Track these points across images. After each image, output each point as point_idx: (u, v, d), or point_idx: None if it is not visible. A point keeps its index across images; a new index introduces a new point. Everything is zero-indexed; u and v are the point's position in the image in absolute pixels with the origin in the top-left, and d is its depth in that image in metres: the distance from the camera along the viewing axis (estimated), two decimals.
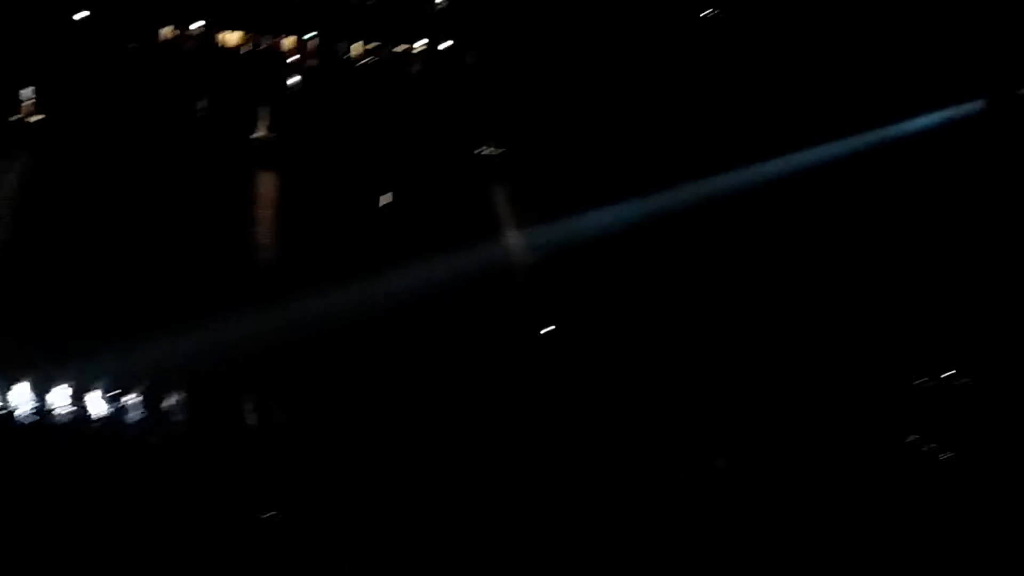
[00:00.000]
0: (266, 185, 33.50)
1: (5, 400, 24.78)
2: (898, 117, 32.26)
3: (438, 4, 34.27)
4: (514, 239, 32.65)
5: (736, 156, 31.84)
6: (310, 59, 34.46)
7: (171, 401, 25.43)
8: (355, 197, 33.20)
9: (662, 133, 32.40)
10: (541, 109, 33.35)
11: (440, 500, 22.68)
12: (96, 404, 25.15)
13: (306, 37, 34.34)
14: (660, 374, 28.08)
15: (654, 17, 33.47)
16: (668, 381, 27.80)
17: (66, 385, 25.21)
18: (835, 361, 28.85)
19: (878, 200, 32.01)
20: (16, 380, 25.08)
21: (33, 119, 32.20)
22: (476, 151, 34.06)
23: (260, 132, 33.73)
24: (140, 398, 25.32)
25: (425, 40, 34.37)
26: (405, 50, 34.67)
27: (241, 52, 34.34)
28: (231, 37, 34.22)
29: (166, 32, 33.72)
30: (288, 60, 34.31)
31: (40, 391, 25.05)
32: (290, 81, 34.12)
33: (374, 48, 34.56)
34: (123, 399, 25.32)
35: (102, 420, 24.89)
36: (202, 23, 33.69)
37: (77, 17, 32.58)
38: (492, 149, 34.07)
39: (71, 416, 24.86)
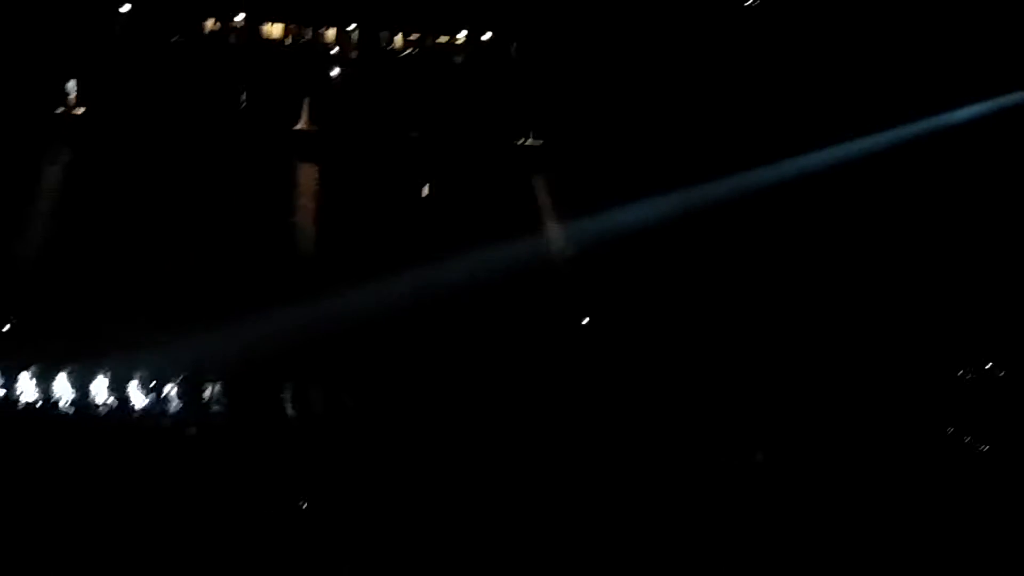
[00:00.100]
0: (307, 177, 33.57)
1: (45, 391, 25.01)
2: (939, 109, 32.00)
3: None
4: (554, 230, 32.63)
5: (780, 149, 31.69)
6: (352, 51, 34.52)
7: (209, 392, 25.58)
8: (396, 189, 33.26)
9: (704, 126, 32.26)
10: (583, 100, 33.27)
11: (479, 491, 22.72)
12: (135, 395, 25.34)
13: (348, 29, 34.40)
14: (698, 366, 28.00)
15: (698, 7, 33.30)
16: (706, 373, 27.71)
17: (105, 376, 25.41)
18: (875, 353, 28.67)
19: (924, 190, 31.80)
20: (56, 371, 25.32)
21: (77, 111, 32.43)
22: (517, 142, 34.04)
23: (302, 124, 33.83)
24: (179, 389, 25.47)
25: (466, 31, 34.34)
26: (447, 41, 34.67)
27: (283, 44, 34.45)
28: (273, 30, 34.33)
29: (209, 25, 33.86)
30: (330, 52, 34.39)
31: (79, 382, 25.25)
32: (332, 73, 34.20)
33: (416, 39, 34.58)
34: (162, 390, 25.49)
35: (140, 411, 25.05)
36: (244, 16, 33.80)
37: (121, 10, 32.78)
38: (533, 140, 34.05)
39: (109, 407, 25.05)
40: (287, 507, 21.92)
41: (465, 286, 29.42)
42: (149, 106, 32.31)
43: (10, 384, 25.00)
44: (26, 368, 25.27)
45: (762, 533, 22.19)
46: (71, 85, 32.33)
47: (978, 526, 22.27)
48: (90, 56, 32.23)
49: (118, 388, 25.34)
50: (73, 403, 24.92)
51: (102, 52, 32.30)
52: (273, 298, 28.60)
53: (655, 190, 31.24)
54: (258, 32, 34.17)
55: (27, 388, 25.02)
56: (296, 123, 33.73)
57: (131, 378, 25.54)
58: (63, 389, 25.15)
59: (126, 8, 32.63)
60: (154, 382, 25.62)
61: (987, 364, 28.72)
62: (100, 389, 25.29)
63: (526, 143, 34.01)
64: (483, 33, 34.34)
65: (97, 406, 25.05)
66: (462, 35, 34.42)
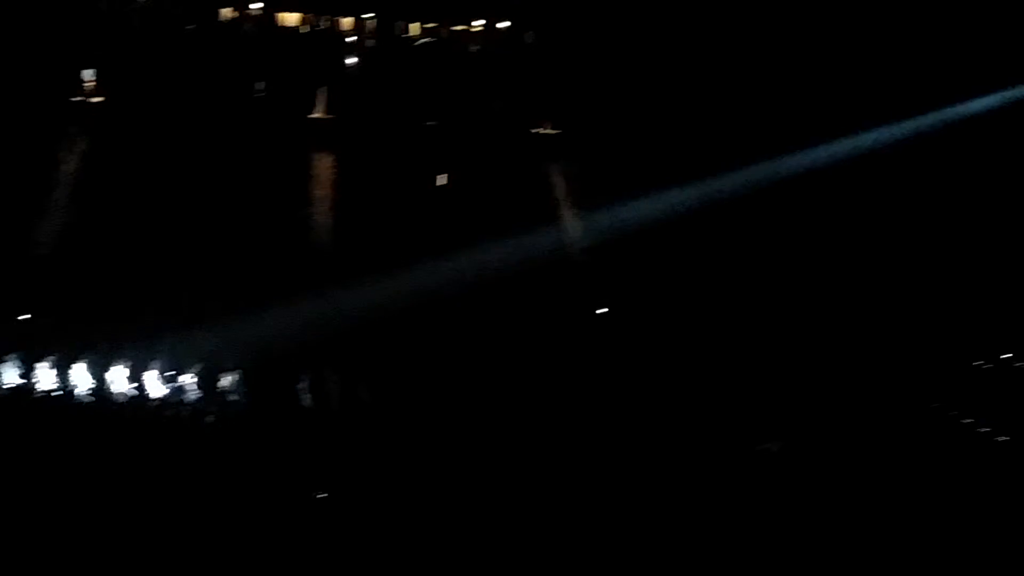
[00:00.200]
0: (324, 166, 33.60)
1: (63, 381, 25.08)
2: (952, 100, 31.93)
3: None
4: (569, 219, 32.60)
5: (801, 138, 31.63)
6: (368, 39, 34.52)
7: (226, 382, 25.63)
8: (413, 178, 33.26)
9: (723, 116, 32.19)
10: (599, 89, 33.23)
11: (496, 480, 22.74)
12: (152, 384, 25.39)
13: (364, 17, 34.39)
14: (714, 356, 27.96)
15: None
16: (722, 363, 27.67)
17: (123, 365, 25.47)
18: (892, 343, 28.61)
19: (941, 181, 31.72)
20: (73, 361, 25.39)
21: (94, 100, 32.49)
22: (533, 131, 34.03)
23: (318, 112, 33.84)
24: (196, 378, 25.53)
25: (483, 20, 34.31)
26: (463, 30, 34.65)
27: (300, 33, 34.46)
28: (290, 18, 34.35)
29: (226, 13, 33.88)
30: (346, 40, 34.39)
31: (97, 371, 25.32)
32: (348, 61, 34.19)
33: (432, 28, 34.56)
34: (179, 379, 25.55)
35: (158, 400, 25.11)
36: (261, 4, 33.81)
37: None
38: (549, 129, 34.03)
39: (127, 396, 25.11)
40: (303, 498, 21.93)
41: (481, 276, 29.39)
42: (166, 95, 32.36)
43: (28, 373, 25.03)
44: (44, 358, 25.31)
45: (777, 524, 22.21)
46: (89, 74, 32.40)
47: (995, 518, 22.25)
48: (107, 45, 32.28)
49: (135, 378, 25.35)
50: (90, 393, 24.95)
51: (119, 41, 32.34)
52: (290, 288, 28.63)
53: (672, 180, 31.20)
54: (274, 20, 34.18)
55: (45, 377, 25.05)
56: (312, 112, 33.76)
57: (148, 368, 25.54)
58: (80, 379, 25.17)
59: None
60: (171, 372, 25.62)
61: (1004, 355, 28.67)
62: (118, 379, 25.31)
63: (542, 132, 33.99)
64: (499, 21, 34.30)
65: (114, 395, 25.05)
66: (478, 24, 34.38)
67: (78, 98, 32.38)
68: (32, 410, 24.40)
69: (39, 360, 25.28)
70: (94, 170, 31.55)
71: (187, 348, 26.09)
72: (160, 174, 31.21)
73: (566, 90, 33.71)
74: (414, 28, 34.57)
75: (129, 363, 25.51)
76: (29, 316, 27.33)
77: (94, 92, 32.48)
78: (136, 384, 25.31)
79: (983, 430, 25.73)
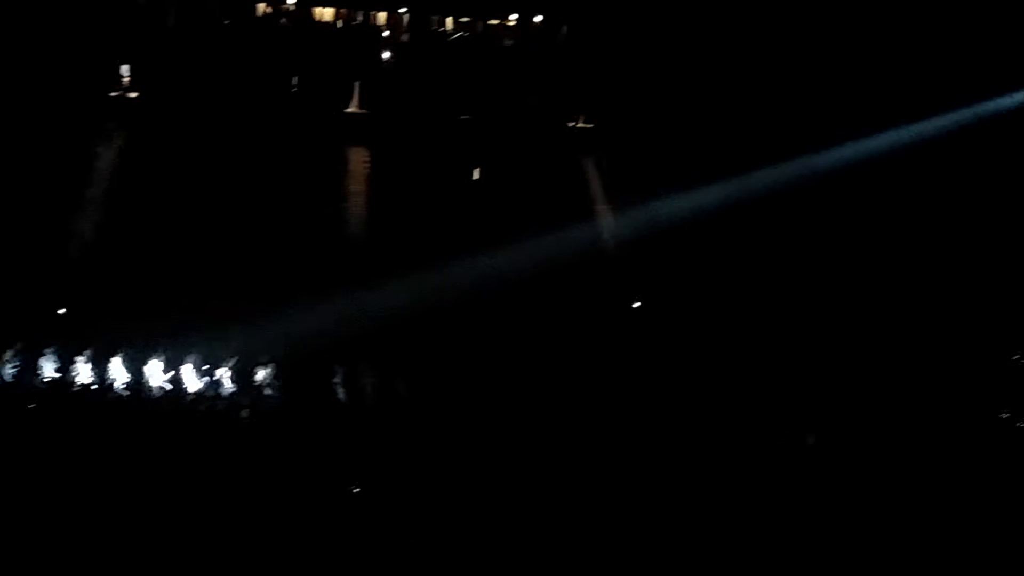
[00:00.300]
0: (358, 160, 33.69)
1: (100, 374, 25.23)
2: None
3: None
4: (603, 213, 32.59)
5: (838, 132, 31.52)
6: (403, 34, 34.58)
7: (261, 376, 25.73)
8: (447, 172, 33.30)
9: (755, 110, 32.09)
10: (634, 83, 33.18)
11: (533, 472, 22.75)
12: (188, 378, 25.51)
13: (399, 12, 34.44)
14: (749, 349, 27.91)
15: None
16: (757, 356, 27.61)
17: (159, 359, 25.61)
18: (929, 336, 28.48)
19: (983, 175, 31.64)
20: (110, 355, 25.53)
21: (131, 95, 32.67)
22: (568, 125, 34.02)
23: (353, 107, 33.92)
24: (231, 372, 25.63)
25: (517, 14, 34.30)
26: (498, 24, 34.66)
27: (335, 27, 34.55)
28: (325, 13, 34.44)
29: (261, 8, 34.00)
30: (381, 35, 34.46)
31: (133, 365, 25.46)
32: (383, 56, 34.25)
33: (466, 22, 34.58)
34: (214, 373, 25.65)
35: (193, 394, 25.22)
36: None
37: None
38: (584, 123, 34.01)
39: (163, 390, 25.24)
40: (337, 492, 22.00)
41: (515, 270, 29.40)
42: (202, 90, 32.49)
43: (65, 368, 25.21)
44: (80, 352, 25.48)
45: (812, 515, 22.15)
46: (125, 69, 32.57)
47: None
48: (144, 40, 32.43)
49: (171, 371, 25.48)
50: (127, 386, 25.09)
51: (155, 36, 32.50)
52: (324, 282, 28.71)
53: (707, 174, 31.14)
54: (310, 15, 34.28)
55: (81, 371, 25.21)
56: (347, 106, 33.84)
57: (184, 361, 25.67)
58: (117, 372, 25.32)
59: None
60: (207, 365, 25.73)
61: None
62: (153, 372, 25.44)
63: (577, 126, 33.98)
64: (534, 15, 34.29)
65: (150, 389, 25.19)
66: (513, 18, 34.38)
67: (115, 93, 32.56)
68: (69, 403, 24.51)
69: (76, 354, 25.43)
70: (131, 165, 31.72)
71: (222, 342, 26.16)
72: (196, 169, 31.33)
73: (600, 84, 33.67)
74: (448, 23, 34.61)
75: (164, 357, 25.62)
76: (66, 310, 27.49)
77: (131, 87, 32.65)
78: (171, 378, 25.41)
79: (1020, 424, 25.66)
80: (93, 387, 24.95)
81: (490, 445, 23.73)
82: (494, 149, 33.60)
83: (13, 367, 24.88)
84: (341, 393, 25.68)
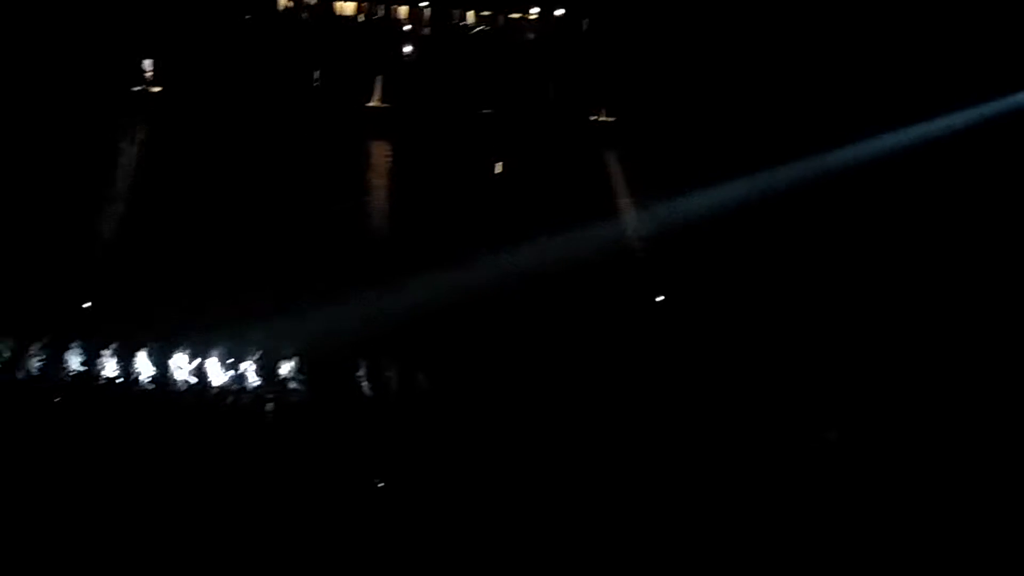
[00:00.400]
0: (381, 154, 33.71)
1: (125, 368, 25.31)
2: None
3: None
4: (626, 207, 32.56)
5: (864, 125, 31.43)
6: (424, 28, 34.58)
7: (286, 369, 25.77)
8: (469, 166, 33.31)
9: (778, 104, 32.02)
10: (655, 77, 33.14)
11: (558, 467, 22.77)
12: (213, 371, 25.57)
13: (420, 5, 34.44)
14: (772, 344, 27.86)
15: None
16: (780, 351, 27.56)
17: (184, 353, 25.67)
18: (954, 332, 28.39)
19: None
20: (136, 348, 25.61)
21: (154, 89, 32.74)
22: (589, 119, 33.99)
23: (375, 101, 33.94)
24: (256, 366, 25.68)
25: (538, 7, 34.28)
26: (519, 18, 34.64)
27: (356, 21, 34.57)
28: (346, 7, 34.46)
29: (283, 2, 34.04)
30: (402, 29, 34.46)
31: (158, 359, 25.53)
32: (404, 50, 34.26)
33: (487, 16, 34.57)
34: (239, 367, 25.71)
35: (218, 388, 25.28)
36: None
37: None
38: (605, 117, 33.99)
39: (188, 383, 25.30)
40: (362, 486, 22.03)
41: (537, 264, 29.39)
42: (224, 85, 32.54)
43: (90, 361, 25.29)
44: (107, 346, 25.56)
45: (836, 512, 22.12)
46: (148, 64, 32.63)
47: None
48: (166, 35, 32.49)
49: (196, 365, 25.54)
50: (152, 380, 25.16)
51: (178, 31, 32.54)
52: (347, 276, 28.75)
53: (729, 167, 31.08)
54: (331, 10, 34.30)
55: (107, 365, 25.30)
56: (369, 100, 33.86)
57: (209, 355, 25.73)
58: (142, 366, 25.40)
59: None
60: (231, 359, 25.79)
61: None
62: (178, 366, 25.51)
63: (599, 120, 33.95)
64: (555, 9, 34.27)
65: (175, 383, 25.26)
66: (534, 11, 34.36)
67: (138, 88, 32.62)
68: (94, 397, 24.59)
69: (101, 348, 25.51)
70: (154, 160, 31.79)
71: (247, 335, 26.22)
72: (219, 164, 31.38)
73: (622, 77, 33.63)
74: (470, 16, 34.60)
75: (189, 350, 25.68)
76: (91, 304, 27.58)
77: (153, 82, 32.72)
78: (197, 371, 25.47)
79: None
80: (118, 381, 25.01)
81: (513, 440, 23.72)
82: (516, 143, 33.57)
83: (39, 361, 24.99)
84: (365, 387, 25.70)
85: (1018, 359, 27.53)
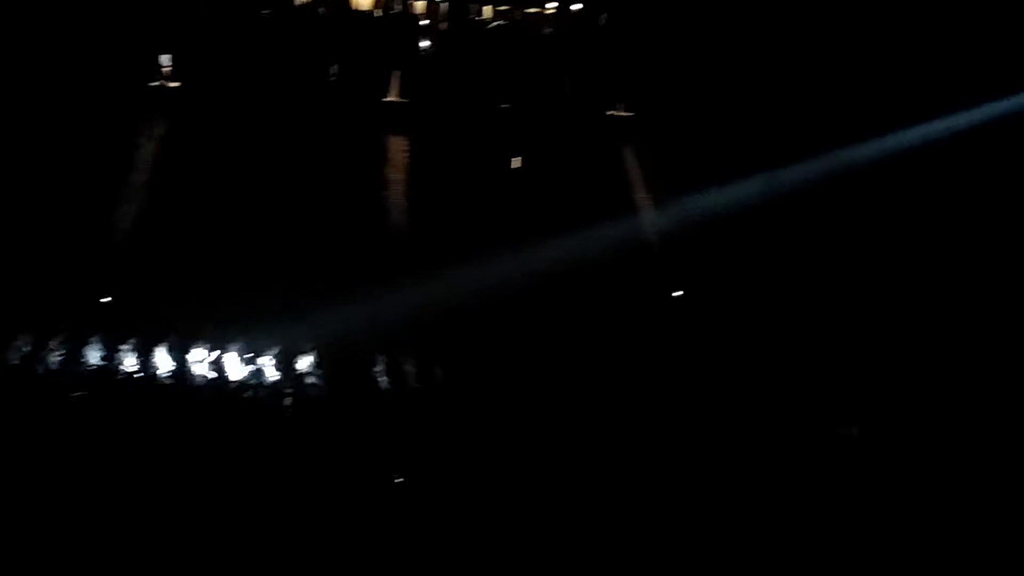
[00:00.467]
0: (398, 149, 33.72)
1: (144, 362, 25.35)
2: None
3: None
4: (643, 202, 32.52)
5: (883, 121, 31.35)
6: (441, 22, 34.58)
7: (304, 364, 25.78)
8: (487, 161, 33.30)
9: (796, 99, 31.95)
10: (674, 71, 33.10)
11: (576, 463, 22.74)
12: (231, 366, 25.59)
13: (437, 0, 34.44)
14: (792, 339, 27.78)
15: None
16: (800, 346, 27.49)
17: (202, 347, 25.70)
18: (977, 328, 28.29)
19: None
20: (154, 343, 25.64)
21: (171, 85, 32.80)
22: (607, 114, 33.96)
23: (392, 96, 33.95)
24: (274, 360, 25.70)
25: (556, 2, 34.26)
26: (536, 12, 34.63)
27: (373, 16, 34.58)
28: (363, 1, 34.48)
29: None
30: (420, 23, 34.47)
31: (177, 353, 25.56)
32: (422, 45, 34.26)
33: (505, 11, 34.56)
34: (258, 361, 25.73)
35: (237, 382, 25.30)
36: None
37: None
38: (623, 111, 33.95)
39: (206, 378, 25.33)
40: (380, 481, 22.03)
41: (555, 259, 29.36)
42: (241, 80, 32.58)
43: (109, 356, 25.35)
44: (124, 340, 25.60)
45: (857, 508, 22.06)
46: (165, 59, 32.69)
47: None
48: (183, 30, 32.54)
49: (214, 359, 25.57)
50: (171, 374, 25.20)
51: (195, 26, 32.60)
52: (365, 271, 28.75)
53: (747, 163, 31.03)
54: (348, 4, 34.32)
55: (125, 360, 25.34)
56: (386, 95, 33.86)
57: (227, 349, 25.76)
58: (160, 361, 25.43)
59: None
60: (250, 353, 25.81)
61: None
62: (197, 360, 25.54)
63: (617, 114, 33.92)
64: (572, 4, 34.25)
65: (194, 377, 25.29)
66: (552, 6, 34.35)
67: (156, 83, 32.68)
68: (113, 391, 24.64)
69: (120, 343, 25.56)
70: (173, 155, 31.86)
71: (264, 330, 26.24)
72: (237, 159, 31.43)
73: (640, 72, 33.59)
74: (487, 11, 34.59)
75: (208, 345, 25.71)
76: (109, 300, 27.62)
77: (171, 77, 32.77)
78: (215, 366, 25.50)
79: None
80: (137, 375, 25.04)
81: (530, 436, 23.70)
82: (534, 138, 33.54)
83: (58, 355, 25.05)
84: (384, 382, 25.70)
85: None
